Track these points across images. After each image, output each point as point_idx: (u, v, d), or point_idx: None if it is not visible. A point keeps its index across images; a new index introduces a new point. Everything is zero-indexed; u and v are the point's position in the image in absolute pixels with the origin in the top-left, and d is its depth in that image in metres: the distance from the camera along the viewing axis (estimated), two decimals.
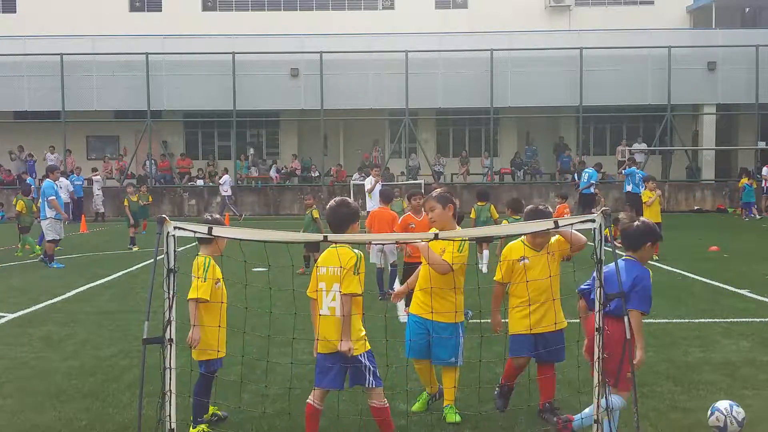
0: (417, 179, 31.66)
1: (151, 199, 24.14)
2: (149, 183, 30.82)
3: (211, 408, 5.82)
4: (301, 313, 6.26)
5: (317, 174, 33.59)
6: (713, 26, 35.58)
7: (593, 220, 4.73)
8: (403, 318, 9.17)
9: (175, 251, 4.72)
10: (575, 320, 6.10)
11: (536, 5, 37.40)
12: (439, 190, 6.29)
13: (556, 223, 4.85)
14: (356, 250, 5.19)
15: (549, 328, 5.79)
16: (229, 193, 31.00)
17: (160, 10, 37.37)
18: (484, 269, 13.08)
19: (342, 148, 36.03)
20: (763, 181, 28.84)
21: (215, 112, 33.65)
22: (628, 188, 23.80)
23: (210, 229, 4.75)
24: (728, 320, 9.48)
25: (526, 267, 5.75)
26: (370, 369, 5.12)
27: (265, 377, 6.51)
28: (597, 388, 4.81)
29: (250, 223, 28.49)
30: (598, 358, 4.76)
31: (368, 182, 19.20)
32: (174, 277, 4.70)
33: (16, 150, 33.73)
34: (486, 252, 13.73)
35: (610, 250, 4.78)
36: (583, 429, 5.22)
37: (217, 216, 6.08)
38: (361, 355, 5.11)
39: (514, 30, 33.69)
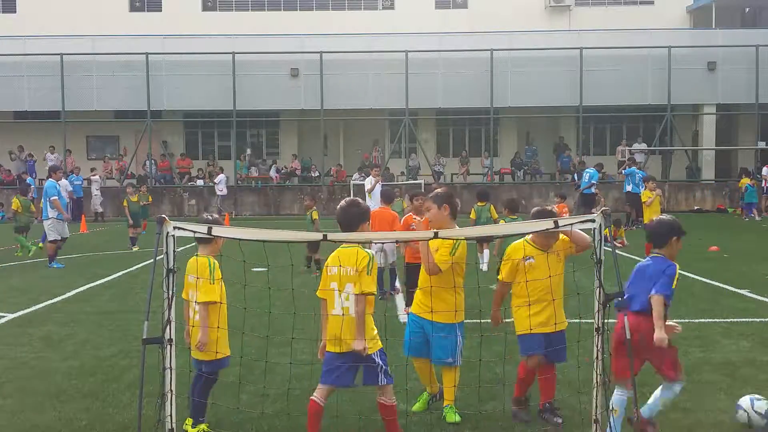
0: (417, 179, 31.65)
1: (151, 199, 24.13)
2: (149, 183, 30.80)
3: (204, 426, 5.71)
4: (301, 313, 6.26)
5: (317, 174, 33.59)
6: (713, 26, 35.58)
7: (593, 220, 4.73)
8: (403, 318, 9.17)
9: (174, 251, 4.72)
10: (575, 320, 6.10)
11: (536, 5, 37.40)
12: (438, 190, 6.29)
13: (556, 223, 4.85)
14: (368, 250, 5.22)
15: (554, 328, 5.79)
16: (225, 192, 30.94)
17: (160, 10, 37.37)
18: (485, 268, 13.09)
19: (342, 148, 36.02)
20: (763, 181, 28.84)
21: (215, 112, 33.64)
22: (628, 188, 23.85)
23: (210, 229, 4.75)
24: (728, 320, 9.48)
25: (531, 267, 5.73)
26: (382, 367, 5.19)
27: (264, 377, 6.50)
28: (597, 388, 4.81)
29: (250, 223, 28.49)
30: (597, 357, 4.76)
31: (368, 182, 19.19)
32: (174, 277, 4.70)
33: (16, 150, 33.73)
34: (486, 251, 13.74)
35: (610, 250, 4.79)
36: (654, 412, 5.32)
37: (216, 216, 6.06)
38: (374, 353, 5.17)
39: (514, 30, 33.67)
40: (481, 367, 6.38)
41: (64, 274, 14.61)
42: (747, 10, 39.56)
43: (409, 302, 9.12)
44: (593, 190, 23.73)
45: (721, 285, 12.18)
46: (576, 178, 29.91)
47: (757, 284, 12.08)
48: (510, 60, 32.53)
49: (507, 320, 6.02)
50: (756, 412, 5.39)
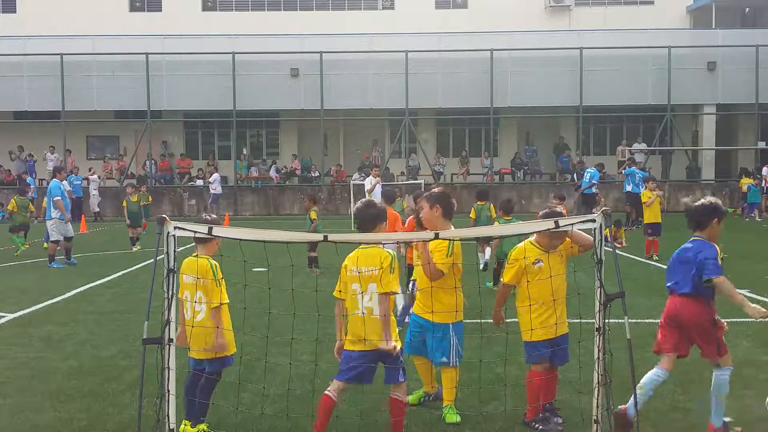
0: (417, 179, 31.64)
1: (151, 199, 24.13)
2: (149, 183, 30.80)
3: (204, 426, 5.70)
4: (300, 314, 6.26)
5: (317, 174, 33.59)
6: (713, 26, 35.58)
7: (593, 220, 4.73)
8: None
9: (175, 251, 4.71)
10: (575, 320, 6.09)
11: (536, 5, 37.40)
12: (436, 190, 6.28)
13: (556, 223, 4.85)
14: (389, 250, 5.24)
15: (558, 332, 5.75)
16: (219, 191, 30.94)
17: (160, 10, 37.38)
18: (485, 267, 13.10)
19: (342, 148, 36.02)
20: (763, 181, 28.84)
21: (215, 112, 33.63)
22: (628, 188, 23.84)
23: (210, 229, 4.74)
24: (728, 320, 9.44)
25: (540, 270, 5.67)
26: (402, 366, 5.27)
27: (264, 378, 6.50)
28: (597, 387, 4.81)
29: (250, 223, 28.48)
30: (597, 357, 4.76)
31: (368, 182, 19.23)
32: (174, 277, 4.69)
33: (16, 150, 33.72)
34: (488, 249, 13.75)
35: (611, 250, 4.78)
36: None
37: (215, 216, 6.05)
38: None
39: (514, 30, 33.66)
40: (481, 368, 6.37)
41: (64, 274, 14.61)
42: (747, 10, 39.55)
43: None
44: (594, 190, 23.73)
45: None
46: (576, 178, 29.91)
47: (757, 284, 12.07)
48: (510, 60, 32.52)
49: (508, 320, 5.99)
50: None
